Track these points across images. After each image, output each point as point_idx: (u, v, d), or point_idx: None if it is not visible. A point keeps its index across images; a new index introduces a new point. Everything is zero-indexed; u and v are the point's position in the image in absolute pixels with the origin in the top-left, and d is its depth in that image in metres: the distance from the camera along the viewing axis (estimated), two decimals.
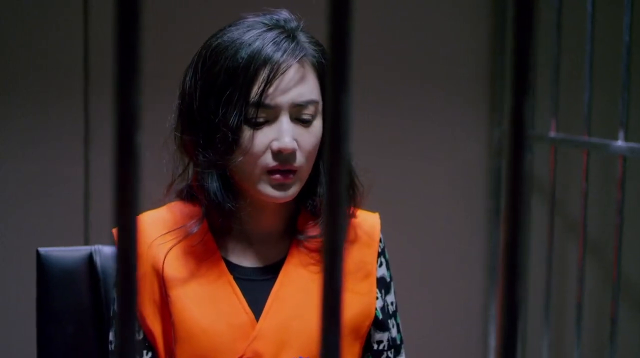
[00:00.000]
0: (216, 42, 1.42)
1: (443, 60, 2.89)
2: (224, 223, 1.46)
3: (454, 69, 2.90)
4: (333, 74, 0.55)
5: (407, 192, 2.89)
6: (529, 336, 2.98)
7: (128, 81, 0.51)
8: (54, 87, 2.55)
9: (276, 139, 1.39)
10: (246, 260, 1.49)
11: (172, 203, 1.52)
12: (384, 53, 2.84)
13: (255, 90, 1.38)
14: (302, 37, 1.44)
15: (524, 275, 0.61)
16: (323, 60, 1.44)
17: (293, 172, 1.40)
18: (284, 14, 1.46)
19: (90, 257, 1.61)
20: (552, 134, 2.77)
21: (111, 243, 1.47)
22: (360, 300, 1.50)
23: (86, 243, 2.54)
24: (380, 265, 1.56)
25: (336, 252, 0.57)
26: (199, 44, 1.46)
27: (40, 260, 1.60)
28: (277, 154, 1.39)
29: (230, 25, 1.44)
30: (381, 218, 1.58)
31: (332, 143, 0.56)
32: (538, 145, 2.90)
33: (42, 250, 1.61)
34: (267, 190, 1.41)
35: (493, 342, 2.98)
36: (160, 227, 1.48)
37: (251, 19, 1.44)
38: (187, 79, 1.44)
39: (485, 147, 2.95)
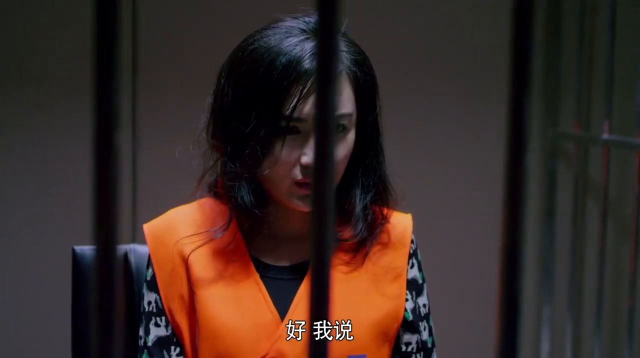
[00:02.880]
0: (252, 47, 1.38)
1: (492, 57, 2.85)
2: (252, 226, 1.45)
3: (504, 66, 2.85)
4: (319, 74, 0.54)
5: (456, 194, 2.86)
6: (582, 339, 2.93)
7: (106, 81, 0.51)
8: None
9: (305, 154, 1.36)
10: (274, 259, 1.47)
11: (203, 200, 1.50)
12: (428, 50, 2.81)
13: (288, 104, 1.34)
14: (341, 46, 1.39)
15: (523, 277, 0.59)
16: (359, 73, 1.40)
17: None
18: None
19: (124, 256, 1.62)
20: (605, 135, 2.72)
21: (144, 241, 1.48)
22: (388, 302, 1.48)
23: (133, 240, 2.55)
24: (412, 266, 1.53)
25: (324, 256, 0.55)
26: (224, 43, 1.43)
27: (75, 258, 1.62)
28: (306, 168, 1.37)
29: (266, 29, 1.40)
30: (415, 219, 1.55)
31: (319, 145, 0.55)
32: (591, 147, 2.86)
33: (77, 248, 1.62)
34: (295, 201, 1.40)
35: (545, 346, 2.94)
36: (189, 225, 1.47)
37: (288, 23, 1.40)
38: (222, 79, 1.41)
39: (535, 147, 2.90)
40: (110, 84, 0.50)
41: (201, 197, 1.50)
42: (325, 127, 0.54)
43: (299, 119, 1.35)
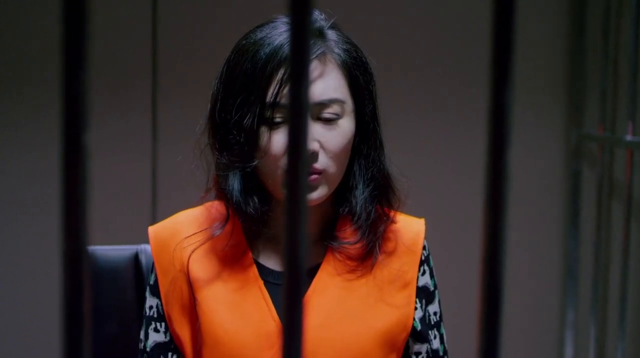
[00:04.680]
0: (241, 44, 1.38)
1: (517, 58, 2.82)
2: (251, 226, 1.41)
3: (529, 67, 2.83)
4: (292, 67, 0.53)
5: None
6: (606, 343, 2.91)
7: (75, 80, 0.50)
8: (123, 87, 2.58)
9: None
10: (278, 264, 1.43)
11: (210, 203, 1.48)
12: (455, 52, 2.80)
13: (271, 91, 1.32)
14: (330, 35, 1.39)
15: (504, 276, 0.58)
16: (349, 60, 1.38)
17: (318, 173, 1.34)
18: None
19: (136, 256, 1.61)
20: (629, 137, 2.69)
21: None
22: (395, 311, 1.43)
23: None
24: (423, 273, 1.49)
25: (296, 259, 0.55)
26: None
27: None
28: None
29: (258, 26, 1.40)
30: (427, 223, 1.52)
31: (292, 138, 0.54)
32: (615, 148, 2.83)
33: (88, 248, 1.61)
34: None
35: (569, 350, 2.91)
36: (192, 226, 1.45)
37: (278, 20, 1.40)
38: (215, 81, 1.41)
39: (559, 149, 2.88)
40: (79, 83, 0.50)
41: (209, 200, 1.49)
42: (299, 117, 0.53)
43: (281, 106, 1.32)
